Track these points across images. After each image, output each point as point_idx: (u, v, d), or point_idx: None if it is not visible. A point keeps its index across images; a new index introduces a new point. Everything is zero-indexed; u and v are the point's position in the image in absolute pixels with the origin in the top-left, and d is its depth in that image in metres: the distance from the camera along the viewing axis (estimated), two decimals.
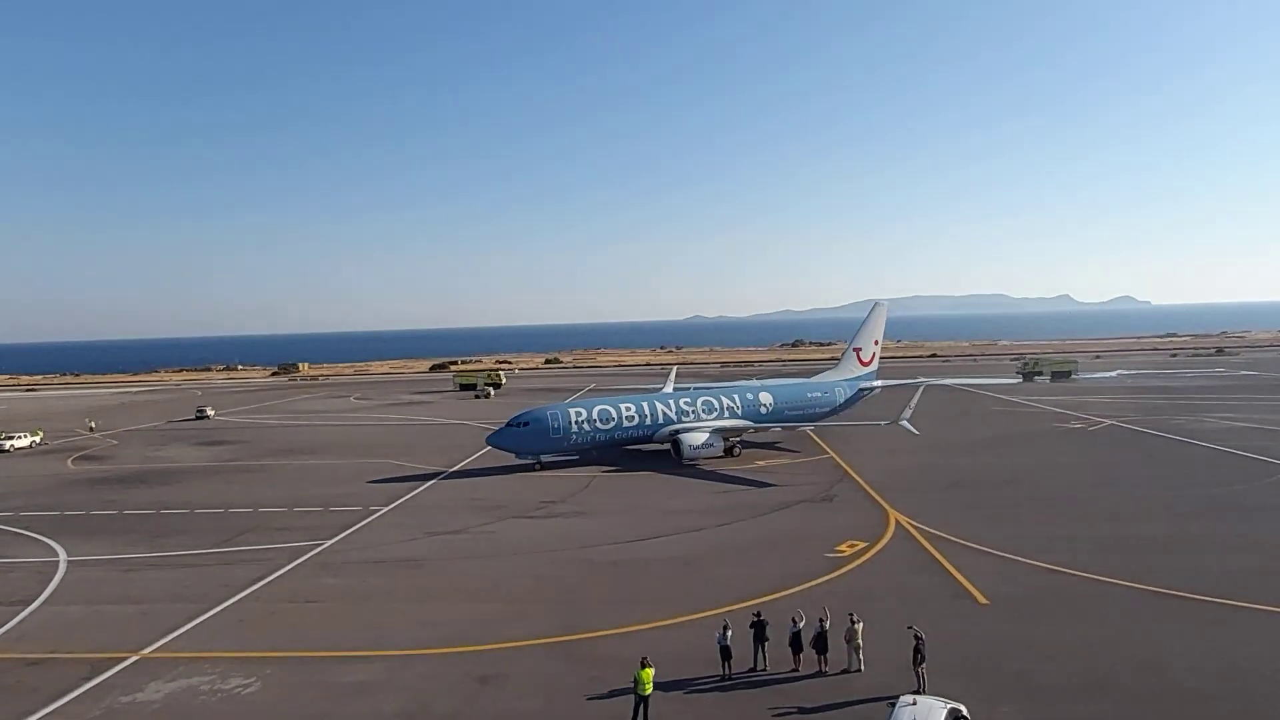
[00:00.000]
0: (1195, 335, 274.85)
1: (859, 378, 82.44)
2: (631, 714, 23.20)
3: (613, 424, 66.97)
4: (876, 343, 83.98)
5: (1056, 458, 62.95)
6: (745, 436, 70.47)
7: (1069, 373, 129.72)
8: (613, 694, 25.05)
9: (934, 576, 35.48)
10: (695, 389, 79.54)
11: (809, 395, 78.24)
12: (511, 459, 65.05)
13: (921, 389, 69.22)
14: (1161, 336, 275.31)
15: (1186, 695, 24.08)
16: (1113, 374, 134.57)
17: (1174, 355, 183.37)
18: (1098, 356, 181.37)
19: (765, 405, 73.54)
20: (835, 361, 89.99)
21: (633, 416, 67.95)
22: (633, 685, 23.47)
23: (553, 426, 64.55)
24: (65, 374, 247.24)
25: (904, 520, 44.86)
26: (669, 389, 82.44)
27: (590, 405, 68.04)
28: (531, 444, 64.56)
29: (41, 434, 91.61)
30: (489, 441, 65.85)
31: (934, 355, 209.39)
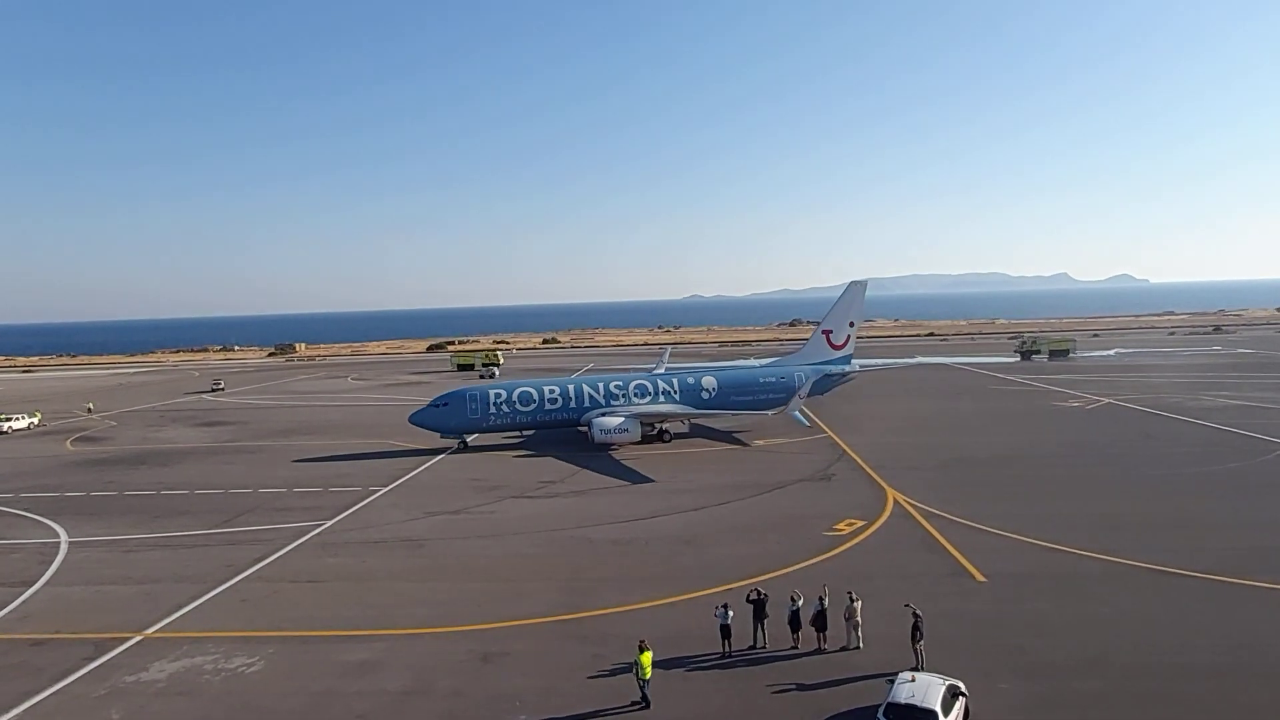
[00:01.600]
0: (1193, 313, 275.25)
1: (827, 362, 75.70)
2: (640, 696, 23.38)
3: (534, 405, 66.55)
4: (852, 324, 76.65)
5: (1054, 436, 63.12)
6: (695, 421, 68.41)
7: (1067, 351, 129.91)
8: (614, 672, 25.24)
9: (932, 555, 35.67)
10: (684, 369, 79.29)
11: (761, 380, 72.32)
12: (514, 438, 65.20)
13: (810, 381, 66.61)
14: (1159, 315, 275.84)
15: (1184, 672, 24.27)
16: (1111, 352, 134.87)
17: (1172, 333, 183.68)
18: (1096, 335, 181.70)
19: (708, 390, 69.71)
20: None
21: (555, 399, 67.19)
22: (633, 669, 23.59)
23: (470, 407, 65.21)
24: (62, 355, 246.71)
25: (902, 499, 45.05)
26: (662, 369, 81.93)
27: (512, 386, 68.12)
28: (450, 423, 65.31)
29: (40, 415, 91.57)
30: (411, 420, 66.72)
31: (931, 334, 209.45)
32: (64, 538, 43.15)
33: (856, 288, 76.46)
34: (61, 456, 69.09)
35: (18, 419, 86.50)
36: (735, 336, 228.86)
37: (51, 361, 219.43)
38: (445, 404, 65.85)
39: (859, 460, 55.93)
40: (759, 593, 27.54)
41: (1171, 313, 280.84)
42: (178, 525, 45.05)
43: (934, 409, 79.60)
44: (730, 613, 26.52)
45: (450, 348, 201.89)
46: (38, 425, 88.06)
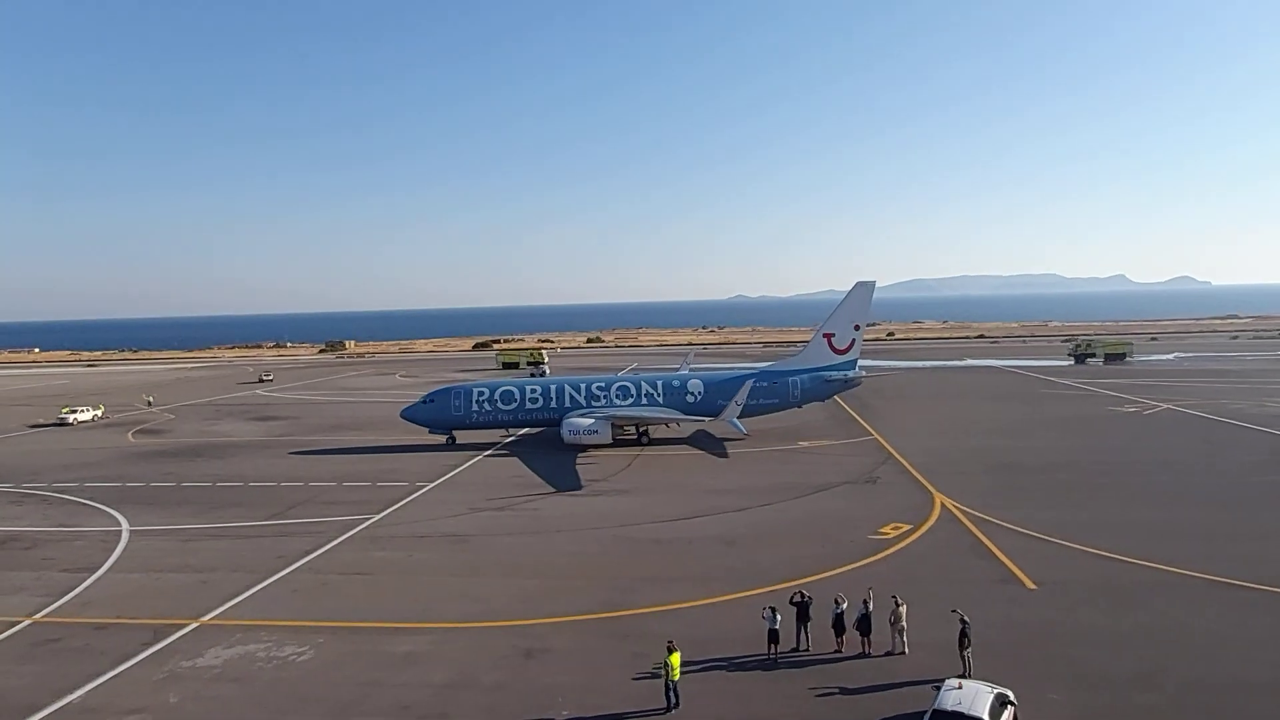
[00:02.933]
0: (1258, 317, 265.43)
1: (828, 367, 70.86)
2: (665, 700, 23.26)
3: (515, 404, 67.24)
4: (857, 328, 71.18)
5: (1109, 441, 61.49)
6: (679, 425, 66.34)
7: (1123, 355, 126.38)
8: (656, 674, 25.22)
9: (980, 560, 35.04)
10: (693, 371, 79.27)
11: (753, 386, 68.21)
12: (558, 437, 65.56)
13: (748, 384, 63.33)
14: (1222, 318, 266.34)
15: (1245, 688, 23.47)
16: (1170, 356, 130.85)
17: (1235, 337, 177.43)
18: (1154, 338, 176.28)
19: (693, 394, 67.84)
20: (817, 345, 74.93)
21: (536, 398, 67.65)
22: (663, 671, 23.39)
23: (454, 404, 66.72)
24: (124, 350, 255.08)
25: (949, 503, 44.31)
26: (685, 370, 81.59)
27: (495, 385, 69.19)
28: (435, 419, 66.97)
29: (103, 408, 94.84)
30: (402, 415, 68.71)
31: (980, 336, 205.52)
32: (125, 526, 44.67)
33: (862, 289, 71.47)
34: (123, 448, 71.51)
35: (83, 411, 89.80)
36: (780, 337, 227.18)
37: (114, 356, 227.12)
38: (432, 400, 67.87)
39: (905, 463, 55.13)
40: (803, 595, 27.34)
41: (1235, 316, 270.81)
42: (232, 516, 46.33)
43: (983, 412, 78.11)
44: (779, 617, 26.21)
45: (495, 346, 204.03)
46: (101, 417, 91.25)
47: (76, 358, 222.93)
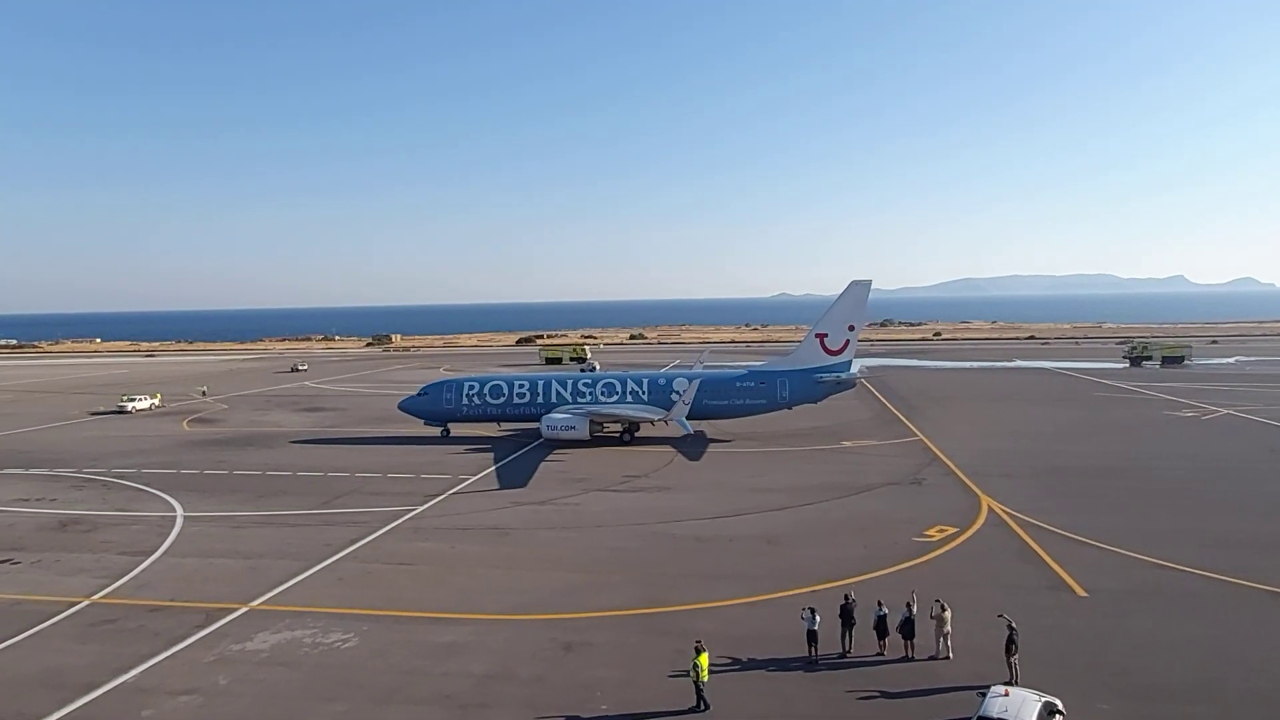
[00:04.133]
0: None
1: (819, 368, 69.03)
2: (695, 700, 23.05)
3: (503, 399, 68.57)
4: (852, 328, 69.28)
5: (1165, 447, 59.67)
6: (666, 423, 63.63)
7: (1182, 358, 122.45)
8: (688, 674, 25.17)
9: (1029, 565, 34.27)
10: (706, 369, 79.40)
11: (738, 385, 69.42)
12: (599, 431, 65.98)
13: (695, 384, 62.85)
14: None
15: None
16: (1231, 360, 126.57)
17: None
18: (1215, 341, 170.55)
19: (679, 392, 66.24)
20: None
21: (524, 393, 68.66)
22: (693, 673, 23.12)
23: (445, 397, 68.79)
24: (179, 341, 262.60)
25: (997, 506, 43.42)
26: (698, 369, 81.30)
27: (485, 380, 70.28)
28: (428, 411, 69.29)
29: (159, 397, 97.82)
30: (400, 406, 71.15)
31: (1031, 337, 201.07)
32: (179, 512, 45.97)
33: (858, 288, 69.30)
34: (178, 436, 73.65)
35: (141, 399, 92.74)
36: None
37: (170, 347, 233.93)
38: (425, 393, 69.85)
39: (951, 465, 54.17)
40: (847, 598, 26.96)
41: None
42: (281, 504, 47.40)
43: (1033, 415, 76.38)
44: (818, 618, 26.00)
45: (539, 341, 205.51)
46: (158, 406, 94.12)
47: (136, 348, 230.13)
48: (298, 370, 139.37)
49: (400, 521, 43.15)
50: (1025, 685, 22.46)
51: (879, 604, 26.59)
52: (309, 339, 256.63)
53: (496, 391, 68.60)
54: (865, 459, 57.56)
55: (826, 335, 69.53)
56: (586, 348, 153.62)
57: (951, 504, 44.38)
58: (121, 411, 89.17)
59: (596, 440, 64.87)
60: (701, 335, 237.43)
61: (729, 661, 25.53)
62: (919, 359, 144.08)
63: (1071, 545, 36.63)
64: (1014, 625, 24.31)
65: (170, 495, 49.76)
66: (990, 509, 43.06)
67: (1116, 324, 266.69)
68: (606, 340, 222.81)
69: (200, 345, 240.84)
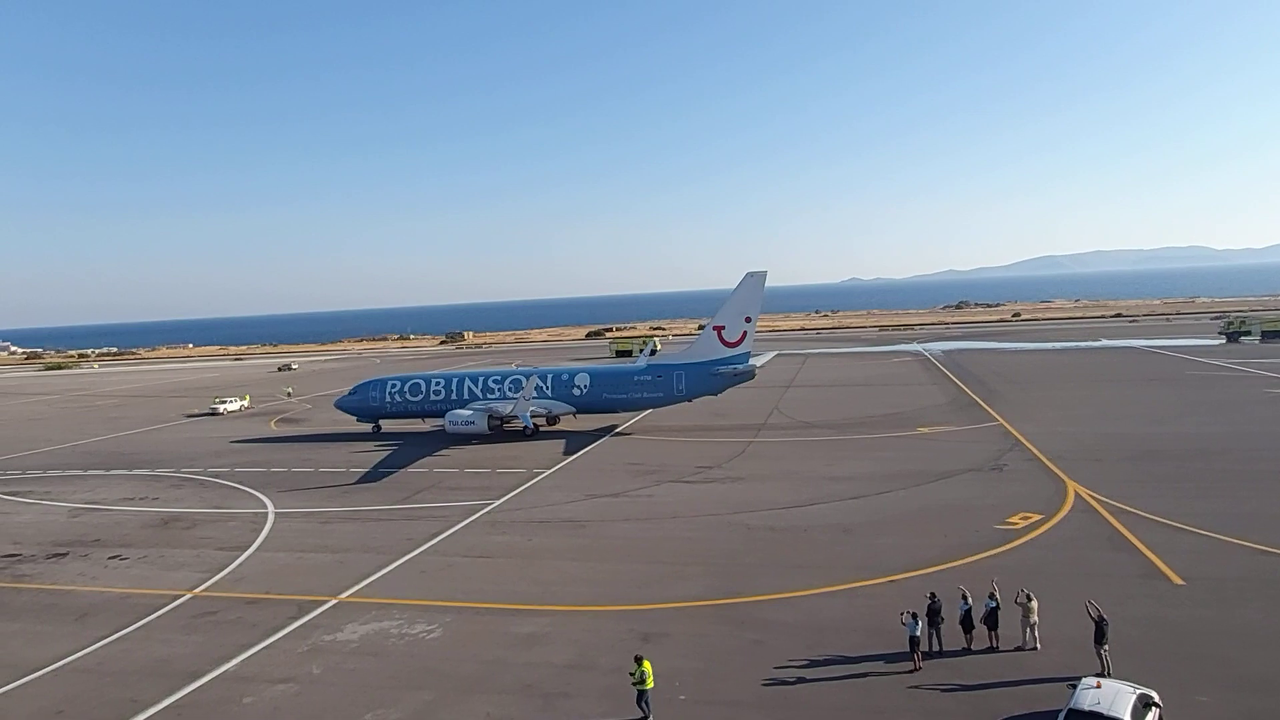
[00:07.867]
0: None
1: (717, 360, 68.87)
2: (640, 709, 22.51)
3: (421, 396, 71.81)
4: (749, 320, 69.16)
5: (1266, 427, 56.43)
6: (574, 416, 71.00)
7: None
8: (781, 665, 25.10)
9: (1120, 553, 32.98)
10: (650, 361, 77.50)
11: (635, 379, 70.72)
12: (672, 425, 66.31)
13: (533, 380, 68.25)
14: None
15: None
16: None
17: None
18: None
19: (580, 387, 70.60)
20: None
21: (439, 390, 71.49)
22: (635, 678, 22.63)
23: (371, 395, 73.09)
24: (265, 344, 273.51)
25: (1084, 492, 41.87)
26: (643, 363, 77.53)
27: (406, 379, 73.96)
28: (358, 408, 73.63)
29: (248, 398, 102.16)
30: (335, 404, 76.37)
31: (1118, 315, 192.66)
32: (271, 508, 48.01)
33: (753, 280, 69.03)
34: (267, 435, 76.80)
35: (231, 401, 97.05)
36: (897, 320, 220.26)
37: (257, 350, 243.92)
38: (354, 392, 74.20)
39: (1034, 450, 52.43)
40: (933, 597, 26.07)
41: None
42: (364, 500, 49.02)
43: (1121, 396, 73.31)
44: (919, 623, 24.77)
45: (608, 334, 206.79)
46: (247, 407, 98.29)
47: (224, 352, 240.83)
48: (289, 370, 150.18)
49: (478, 516, 44.12)
50: (1118, 677, 21.69)
51: (964, 598, 25.90)
52: (385, 339, 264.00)
53: (415, 389, 72.33)
54: (942, 445, 56.21)
55: (724, 328, 69.56)
56: (656, 339, 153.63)
57: (1035, 490, 43.00)
58: (214, 413, 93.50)
59: (499, 436, 68.25)
60: (770, 324, 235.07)
61: (807, 654, 25.36)
62: (997, 340, 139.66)
63: (1166, 531, 35.10)
64: (1103, 614, 23.45)
65: (261, 493, 51.98)
66: (1077, 495, 41.56)
67: (1211, 298, 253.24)
68: (675, 331, 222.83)
69: (284, 347, 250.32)
